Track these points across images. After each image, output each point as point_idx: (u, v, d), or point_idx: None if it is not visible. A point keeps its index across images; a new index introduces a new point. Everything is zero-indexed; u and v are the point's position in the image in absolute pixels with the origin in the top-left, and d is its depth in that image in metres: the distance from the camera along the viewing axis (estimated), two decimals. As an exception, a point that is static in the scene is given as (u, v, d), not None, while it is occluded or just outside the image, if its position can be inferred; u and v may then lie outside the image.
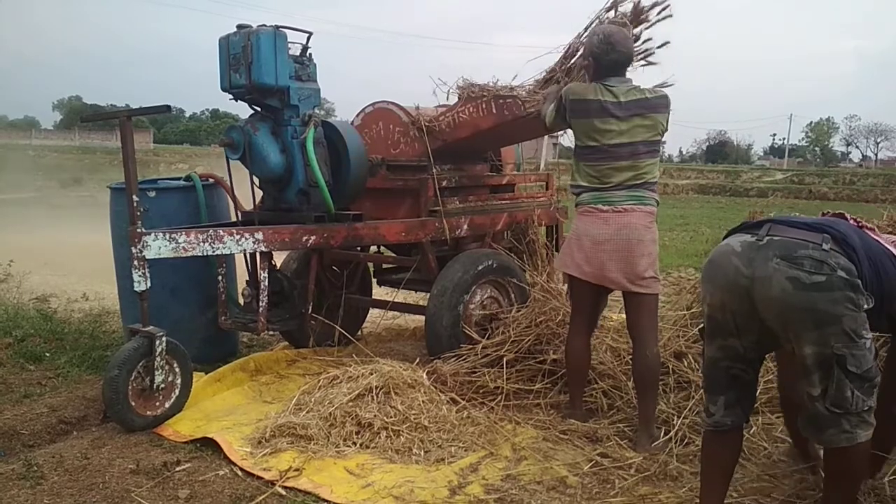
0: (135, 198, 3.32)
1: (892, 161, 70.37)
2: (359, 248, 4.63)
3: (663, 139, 3.33)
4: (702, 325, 2.34)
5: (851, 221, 2.36)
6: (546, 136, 6.11)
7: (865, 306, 2.07)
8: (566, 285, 3.69)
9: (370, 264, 4.98)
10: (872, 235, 2.30)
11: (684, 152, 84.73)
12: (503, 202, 4.76)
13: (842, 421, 2.10)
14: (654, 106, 3.25)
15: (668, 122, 3.31)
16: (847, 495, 2.26)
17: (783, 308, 2.09)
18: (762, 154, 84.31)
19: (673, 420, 3.22)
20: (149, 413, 3.34)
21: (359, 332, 4.93)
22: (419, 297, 5.08)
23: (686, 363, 3.64)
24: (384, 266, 5.02)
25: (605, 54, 3.26)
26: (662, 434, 3.17)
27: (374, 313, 5.20)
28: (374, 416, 3.14)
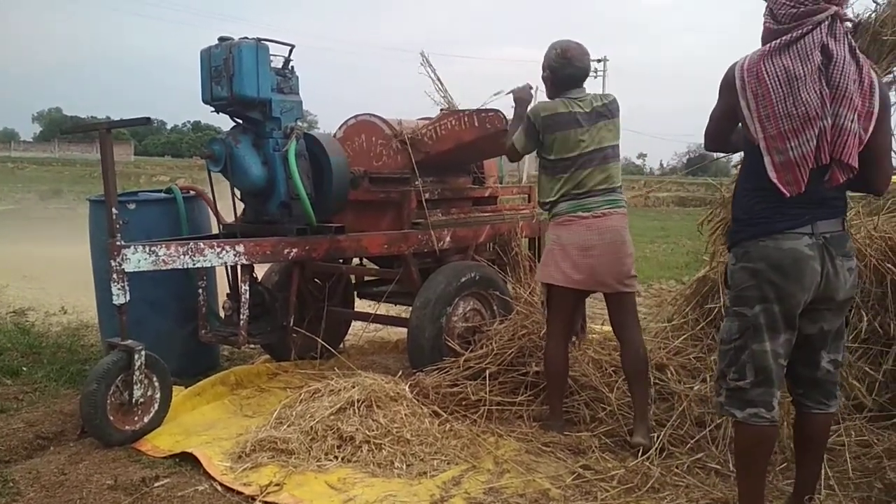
0: (114, 210, 3.29)
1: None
2: (341, 261, 4.61)
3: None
4: (744, 324, 2.35)
5: None
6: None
7: None
8: (543, 296, 3.71)
9: (352, 277, 4.96)
10: None
11: (665, 165, 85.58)
12: (486, 214, 4.78)
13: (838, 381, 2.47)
14: (612, 111, 3.43)
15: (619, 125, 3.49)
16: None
17: (848, 295, 2.36)
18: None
19: (655, 431, 3.23)
20: (127, 428, 3.30)
21: (341, 345, 4.91)
22: (402, 310, 5.07)
23: (668, 374, 3.65)
24: (366, 279, 5.00)
25: (563, 68, 3.41)
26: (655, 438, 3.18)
27: (356, 326, 5.17)
28: (356, 429, 3.12)
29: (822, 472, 2.61)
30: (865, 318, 3.35)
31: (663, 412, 3.40)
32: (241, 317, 3.76)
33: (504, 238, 4.80)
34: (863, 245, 3.46)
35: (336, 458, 3.03)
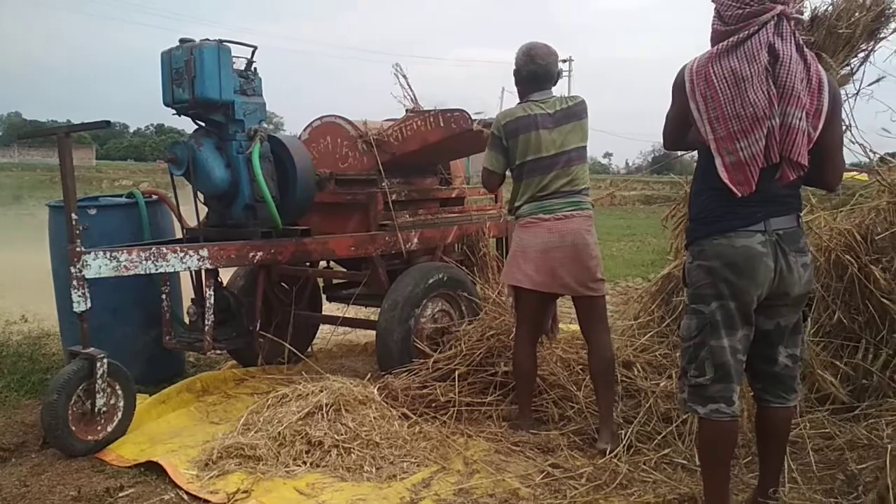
0: (74, 216, 3.23)
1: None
2: (308, 264, 4.58)
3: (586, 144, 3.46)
4: (702, 321, 2.38)
5: None
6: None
7: None
8: (510, 297, 3.73)
9: (320, 280, 4.93)
10: None
11: (630, 164, 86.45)
12: (453, 215, 4.78)
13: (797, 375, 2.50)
14: (578, 113, 3.39)
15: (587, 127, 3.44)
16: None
17: (803, 291, 2.38)
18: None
19: (622, 428, 3.26)
20: (90, 438, 3.23)
21: (309, 349, 4.87)
22: (370, 312, 5.05)
23: (635, 372, 3.68)
24: (334, 281, 4.97)
25: (525, 66, 3.42)
26: (616, 440, 3.20)
27: (324, 329, 5.14)
28: (325, 434, 3.09)
29: (786, 464, 2.65)
30: (833, 312, 3.42)
31: (630, 409, 3.43)
32: (207, 322, 3.71)
33: (472, 238, 4.81)
34: (823, 240, 3.53)
35: (305, 463, 3.00)
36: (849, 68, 3.62)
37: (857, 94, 3.48)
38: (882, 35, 3.58)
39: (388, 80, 4.55)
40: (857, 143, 3.50)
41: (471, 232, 4.78)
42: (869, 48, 3.59)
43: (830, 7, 3.58)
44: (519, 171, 3.41)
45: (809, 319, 3.30)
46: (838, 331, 3.47)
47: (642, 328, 4.03)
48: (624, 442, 3.13)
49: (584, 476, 2.92)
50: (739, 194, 2.25)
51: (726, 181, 2.25)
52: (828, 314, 3.42)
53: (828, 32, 3.56)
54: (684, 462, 3.00)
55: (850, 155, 3.62)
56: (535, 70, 3.40)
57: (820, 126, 2.26)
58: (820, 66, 2.31)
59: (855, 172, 4.50)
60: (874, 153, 3.59)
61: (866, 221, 3.55)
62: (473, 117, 4.15)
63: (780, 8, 2.23)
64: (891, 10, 3.53)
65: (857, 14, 3.50)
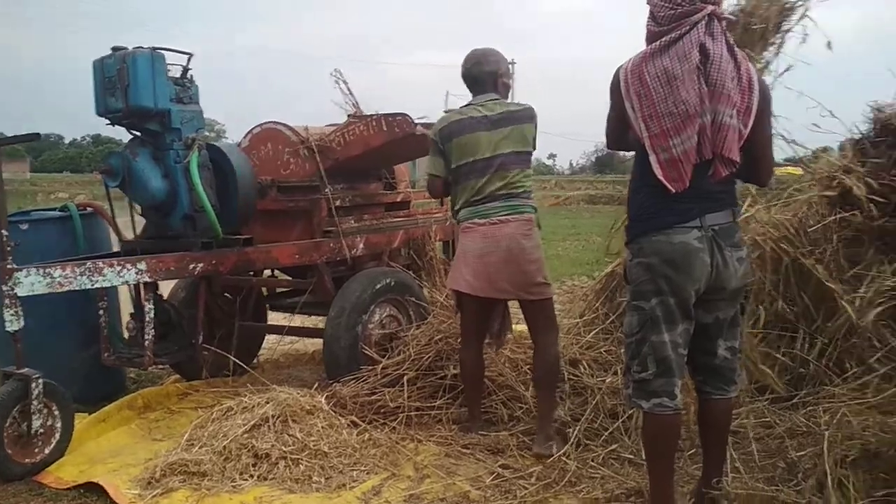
0: (4, 232, 3.12)
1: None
2: (251, 273, 4.51)
3: (533, 149, 3.41)
4: (643, 318, 2.42)
5: None
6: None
7: None
8: (452, 301, 3.73)
9: (264, 289, 4.85)
10: None
11: (574, 165, 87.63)
12: (399, 219, 4.76)
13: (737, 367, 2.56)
14: (520, 118, 3.34)
15: (536, 132, 3.40)
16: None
17: (740, 284, 2.45)
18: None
19: (570, 426, 3.29)
20: (27, 460, 3.12)
21: (255, 361, 4.79)
22: (317, 321, 4.99)
23: (581, 369, 3.72)
24: (279, 290, 4.90)
25: (464, 69, 3.44)
26: (564, 438, 3.22)
27: (270, 339, 5.06)
28: (272, 446, 3.04)
29: (729, 454, 2.71)
30: (770, 304, 3.51)
31: (578, 406, 3.46)
32: (146, 337, 3.62)
33: (418, 243, 4.79)
34: (759, 233, 3.63)
35: (252, 476, 2.95)
36: (764, 62, 3.77)
37: (772, 85, 3.62)
38: (787, 27, 3.78)
39: (331, 82, 4.54)
40: (790, 140, 3.64)
41: (417, 236, 4.76)
42: (779, 41, 3.78)
43: (744, 2, 3.77)
44: (456, 175, 3.40)
45: (747, 312, 3.39)
46: (776, 322, 3.57)
47: (588, 326, 4.07)
48: (572, 440, 3.16)
49: (534, 475, 2.94)
50: (674, 190, 2.30)
51: (661, 178, 2.30)
52: (764, 306, 3.51)
53: (744, 29, 3.70)
54: (631, 457, 3.05)
55: (784, 150, 3.76)
56: (474, 71, 3.41)
57: (750, 123, 2.32)
58: (751, 66, 2.38)
59: (789, 167, 4.65)
60: (806, 148, 3.73)
61: (799, 214, 3.66)
62: (416, 121, 4.15)
63: (710, 8, 2.29)
64: (790, 3, 3.75)
65: (764, 8, 3.68)
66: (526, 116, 3.37)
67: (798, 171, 4.32)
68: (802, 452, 2.75)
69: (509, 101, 3.46)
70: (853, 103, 3.69)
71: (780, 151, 3.36)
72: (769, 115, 2.51)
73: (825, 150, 4.19)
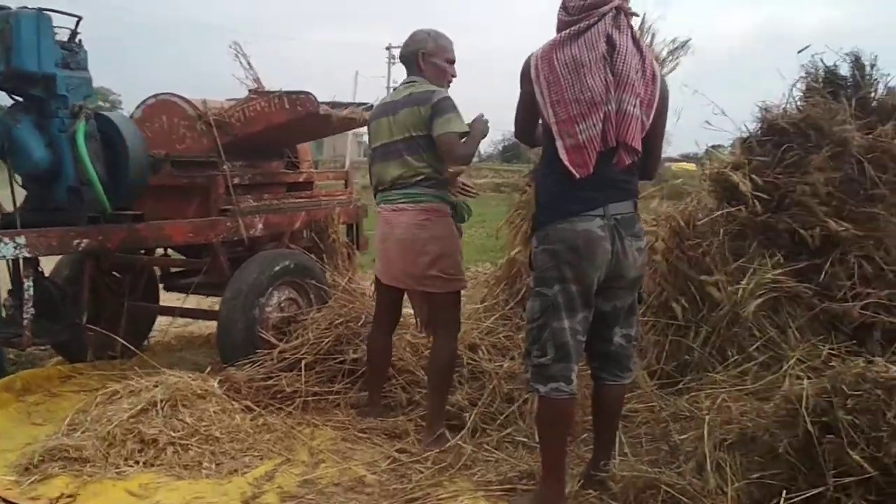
0: None
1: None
2: (143, 252, 4.32)
3: (435, 133, 3.08)
4: (545, 304, 2.45)
5: None
6: (350, 133, 6.14)
7: None
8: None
9: (157, 268, 4.66)
10: None
11: (482, 153, 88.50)
12: (301, 200, 4.66)
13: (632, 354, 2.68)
14: (419, 100, 3.13)
15: (442, 116, 3.08)
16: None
17: (638, 274, 2.53)
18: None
19: (467, 411, 3.32)
20: None
21: (145, 342, 4.61)
22: (213, 302, 4.84)
23: (480, 354, 3.75)
24: (172, 270, 4.71)
25: (400, 51, 3.39)
26: (454, 424, 3.23)
27: (162, 321, 4.86)
28: (160, 431, 2.93)
29: (618, 438, 2.81)
30: (660, 294, 3.64)
31: (475, 391, 3.49)
32: (25, 315, 3.40)
33: (320, 225, 4.71)
34: (651, 225, 3.76)
35: (137, 462, 2.84)
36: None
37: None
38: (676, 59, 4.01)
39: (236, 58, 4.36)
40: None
41: (319, 218, 4.68)
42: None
43: None
44: (371, 159, 3.38)
45: (644, 301, 3.51)
46: (664, 311, 3.71)
47: (488, 311, 4.13)
48: (468, 425, 3.18)
49: (430, 459, 2.95)
50: (578, 176, 2.34)
51: (566, 163, 2.35)
52: (654, 296, 3.65)
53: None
54: (525, 440, 3.11)
55: (680, 146, 3.90)
56: (402, 55, 3.36)
57: (651, 114, 2.41)
58: (654, 61, 2.46)
59: (684, 163, 4.85)
60: (701, 145, 3.90)
61: (689, 208, 3.81)
62: (322, 101, 4.07)
63: (617, 2, 2.38)
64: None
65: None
66: (423, 99, 3.12)
67: (692, 166, 4.50)
68: (685, 436, 2.87)
69: (425, 83, 3.20)
70: (748, 104, 3.86)
71: (678, 146, 3.49)
72: (666, 111, 2.60)
73: (717, 147, 4.39)
